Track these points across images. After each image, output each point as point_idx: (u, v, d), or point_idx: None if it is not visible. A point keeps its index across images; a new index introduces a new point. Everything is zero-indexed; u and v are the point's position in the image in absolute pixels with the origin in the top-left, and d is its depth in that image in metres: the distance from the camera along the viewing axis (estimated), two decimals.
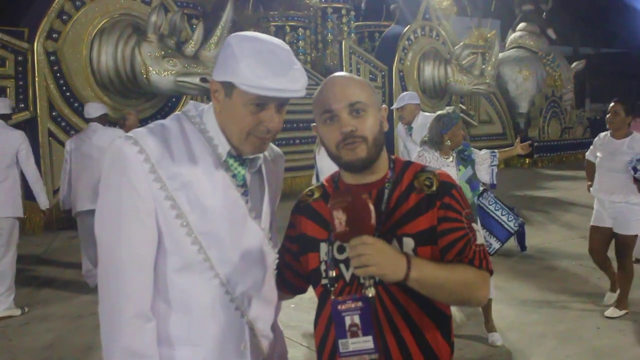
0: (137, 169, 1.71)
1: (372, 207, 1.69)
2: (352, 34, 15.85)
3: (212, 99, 1.82)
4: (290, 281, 2.12)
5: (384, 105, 1.96)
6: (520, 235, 5.35)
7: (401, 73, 15.95)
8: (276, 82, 1.69)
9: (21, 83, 10.14)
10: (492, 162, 5.32)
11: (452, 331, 1.98)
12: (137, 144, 1.73)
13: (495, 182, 5.32)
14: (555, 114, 20.89)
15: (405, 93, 7.73)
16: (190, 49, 10.52)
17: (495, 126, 19.28)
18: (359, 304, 1.78)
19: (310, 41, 14.90)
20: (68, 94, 10.34)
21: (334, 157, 1.91)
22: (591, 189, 6.00)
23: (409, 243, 1.84)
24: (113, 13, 10.76)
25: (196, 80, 10.37)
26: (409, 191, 1.90)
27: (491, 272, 1.92)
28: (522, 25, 21.52)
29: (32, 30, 10.22)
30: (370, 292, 1.73)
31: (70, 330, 5.61)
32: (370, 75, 15.37)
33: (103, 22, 10.62)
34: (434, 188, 1.88)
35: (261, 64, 1.69)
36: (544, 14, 22.30)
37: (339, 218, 1.70)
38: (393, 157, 2.01)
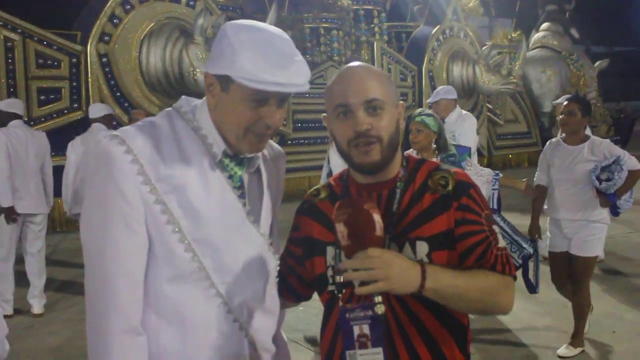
0: (124, 171, 1.58)
1: (377, 217, 1.60)
2: (384, 35, 16.14)
3: (205, 94, 1.71)
4: (294, 287, 1.98)
5: (400, 102, 1.84)
6: (524, 271, 4.64)
7: (430, 73, 16.23)
8: (278, 76, 1.58)
9: (74, 84, 10.55)
10: (493, 185, 4.92)
11: (469, 342, 1.86)
12: (123, 144, 1.60)
13: (496, 206, 4.88)
14: None
15: (441, 87, 7.62)
16: None
17: (521, 125, 19.51)
18: (369, 312, 1.64)
19: (344, 42, 15.21)
20: (118, 94, 10.74)
21: (344, 155, 1.80)
22: (545, 208, 5.18)
23: (422, 247, 1.72)
24: (160, 16, 11.14)
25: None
26: (423, 191, 1.78)
27: (515, 277, 1.79)
28: (545, 25, 21.67)
29: (85, 34, 10.63)
30: (380, 310, 1.61)
31: (75, 333, 5.53)
32: (401, 76, 15.68)
33: (151, 25, 11.00)
34: (450, 188, 1.76)
35: (261, 55, 1.58)
36: (567, 13, 22.49)
37: (341, 231, 1.61)
38: (406, 154, 1.91)
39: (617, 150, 4.80)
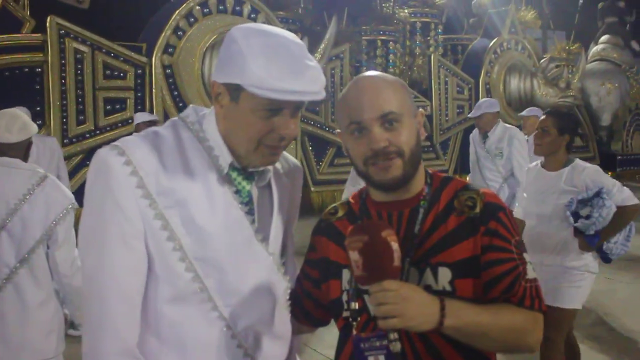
0: (123, 184, 1.50)
1: (395, 246, 1.49)
2: (440, 48, 16.12)
3: (213, 104, 1.62)
4: (310, 312, 1.88)
5: (420, 110, 1.74)
6: None
7: (487, 86, 16.12)
8: (293, 84, 1.48)
9: (139, 94, 10.80)
10: None
11: None
12: (123, 155, 1.51)
13: None
14: (638, 127, 20.68)
15: (483, 100, 7.38)
16: None
17: (578, 139, 19.19)
18: (385, 342, 1.54)
19: (400, 54, 15.25)
20: (181, 104, 10.95)
21: (362, 175, 1.69)
22: None
23: (445, 274, 1.60)
24: (222, 29, 11.31)
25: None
26: (448, 212, 1.65)
27: (544, 312, 1.66)
28: (605, 37, 21.33)
29: (150, 46, 10.89)
30: (395, 348, 1.49)
31: None
32: (457, 88, 15.63)
33: (214, 38, 11.20)
34: (477, 210, 1.63)
35: (274, 62, 1.48)
36: (628, 26, 22.11)
37: (355, 260, 1.50)
38: (430, 170, 1.77)
39: (604, 180, 3.82)
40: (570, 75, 16.72)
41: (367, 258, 1.48)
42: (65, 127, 9.97)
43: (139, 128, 7.26)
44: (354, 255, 1.50)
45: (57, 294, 3.35)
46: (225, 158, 1.60)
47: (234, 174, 1.64)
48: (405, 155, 1.62)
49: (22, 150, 3.38)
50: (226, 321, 1.59)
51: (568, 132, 3.99)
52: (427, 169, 1.77)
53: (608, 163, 19.47)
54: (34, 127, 3.51)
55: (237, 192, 1.63)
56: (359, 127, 1.62)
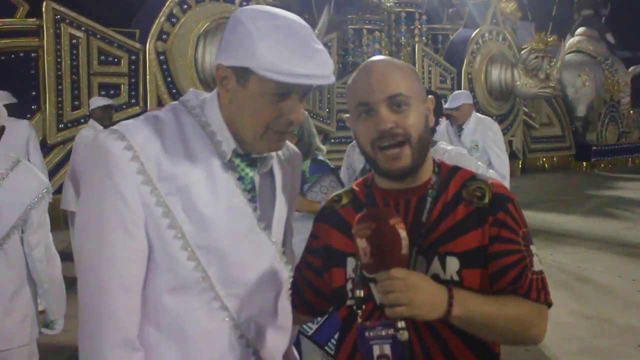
0: (123, 169, 1.45)
1: (403, 234, 1.47)
2: (423, 37, 16.37)
3: (218, 88, 1.56)
4: (309, 301, 1.86)
5: (430, 96, 1.70)
6: None
7: (470, 76, 16.41)
8: (303, 67, 1.44)
9: (133, 80, 10.88)
10: None
11: None
12: (123, 139, 1.46)
13: None
14: (613, 118, 21.18)
15: (459, 92, 7.15)
16: None
17: (555, 129, 19.63)
18: (391, 331, 1.52)
19: (385, 44, 15.46)
20: (174, 91, 11.04)
21: (369, 159, 1.67)
22: None
23: (453, 263, 1.59)
24: (215, 16, 11.42)
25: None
26: (456, 202, 1.63)
27: (550, 305, 1.65)
28: (581, 29, 21.78)
29: (143, 32, 10.97)
30: (403, 336, 1.47)
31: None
32: (440, 78, 15.90)
33: (207, 25, 11.30)
34: (486, 200, 1.61)
35: (284, 44, 1.44)
36: (603, 18, 22.57)
37: (363, 248, 1.48)
38: (437, 159, 1.75)
39: (466, 163, 3.37)
40: (549, 67, 17.08)
41: (375, 246, 1.46)
42: (60, 112, 10.03)
43: (94, 113, 7.21)
44: (362, 243, 1.47)
45: (30, 281, 3.21)
46: (229, 144, 1.55)
47: (237, 160, 1.59)
48: (413, 140, 1.60)
49: None
50: (228, 311, 1.55)
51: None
52: (435, 158, 1.74)
53: (583, 153, 20.01)
54: (3, 112, 3.39)
55: (240, 178, 1.59)
56: (366, 108, 1.60)
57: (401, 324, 1.46)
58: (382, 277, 1.47)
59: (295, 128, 1.64)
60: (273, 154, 1.67)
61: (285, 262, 1.68)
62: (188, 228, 1.49)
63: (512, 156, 17.66)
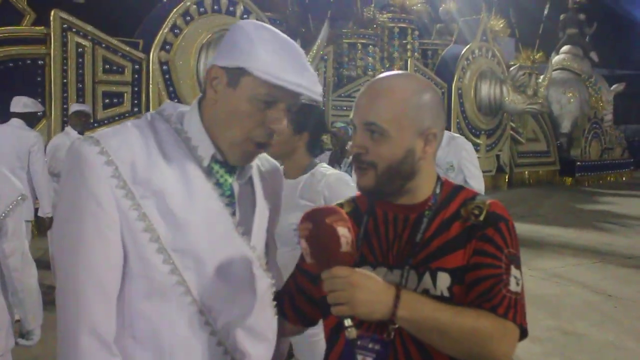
0: (98, 174, 1.45)
1: (342, 231, 1.45)
2: (416, 53, 16.72)
3: (206, 88, 1.57)
4: (302, 309, 1.82)
5: (433, 130, 1.62)
6: None
7: (460, 91, 16.79)
8: (298, 78, 1.48)
9: (136, 89, 11.10)
10: None
11: None
12: (97, 144, 1.47)
13: None
14: (596, 134, 21.69)
15: None
16: None
17: (541, 144, 20.07)
18: (377, 346, 1.55)
19: (379, 57, 15.80)
20: (176, 100, 11.23)
21: None
22: None
23: (444, 279, 1.56)
24: (216, 28, 11.66)
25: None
26: (453, 219, 1.62)
27: (521, 327, 1.56)
28: (565, 47, 22.32)
29: (147, 42, 11.19)
30: (351, 335, 1.45)
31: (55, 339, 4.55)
32: None
33: (208, 36, 11.54)
34: (481, 218, 1.59)
35: (281, 54, 1.48)
36: (587, 37, 23.11)
37: (304, 249, 1.48)
38: (443, 179, 1.73)
39: (345, 191, 2.69)
40: (536, 83, 17.50)
41: (313, 245, 1.46)
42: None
43: (71, 119, 7.31)
44: (303, 244, 1.48)
45: (5, 290, 3.07)
46: (207, 149, 1.56)
47: (216, 167, 1.60)
48: (379, 169, 1.59)
49: None
50: (205, 317, 1.53)
51: (308, 129, 3.11)
52: (441, 177, 1.72)
53: (568, 169, 20.44)
54: None
55: (219, 185, 1.59)
56: (353, 125, 1.64)
57: (347, 322, 1.44)
58: (324, 276, 1.46)
59: (272, 141, 1.58)
60: (252, 164, 1.67)
61: (264, 269, 1.65)
62: (163, 231, 1.48)
63: (499, 170, 18.08)
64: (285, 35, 1.55)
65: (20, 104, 6.83)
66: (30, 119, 6.94)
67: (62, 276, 1.49)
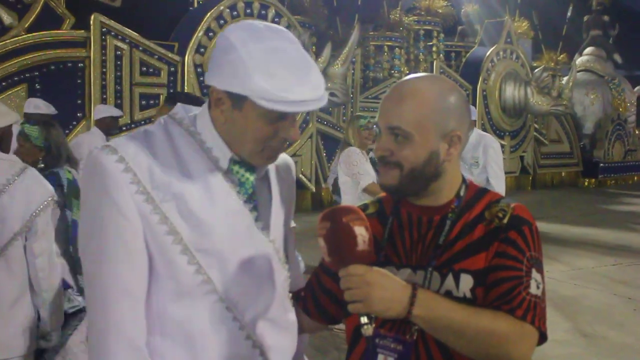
0: (117, 182, 1.48)
1: (359, 230, 1.48)
2: (441, 55, 16.88)
3: (212, 107, 1.59)
4: (325, 308, 1.83)
5: (457, 132, 1.64)
6: None
7: (484, 92, 16.94)
8: (299, 93, 1.48)
9: (171, 91, 11.29)
10: None
11: None
12: (115, 152, 1.49)
13: None
14: (619, 136, 21.70)
15: None
16: (320, 65, 11.70)
17: (564, 145, 20.14)
18: (400, 347, 1.56)
19: (404, 60, 15.97)
20: None
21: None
22: None
23: (467, 281, 1.58)
24: None
25: (326, 94, 11.51)
26: (477, 221, 1.63)
27: (541, 332, 1.56)
28: (589, 49, 22.34)
29: (182, 45, 11.44)
30: (367, 332, 1.48)
31: None
32: None
33: None
34: (505, 221, 1.60)
35: (278, 71, 1.47)
36: (611, 39, 23.15)
37: (322, 247, 1.51)
38: (468, 181, 1.74)
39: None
40: (561, 84, 17.59)
41: (330, 244, 1.49)
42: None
43: (99, 124, 7.49)
44: (321, 242, 1.51)
45: (31, 290, 3.14)
46: (222, 151, 1.58)
47: (236, 167, 1.62)
48: (404, 170, 1.61)
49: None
50: (233, 312, 1.56)
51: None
52: (466, 180, 1.74)
53: (591, 170, 20.50)
54: (12, 115, 3.31)
55: (241, 184, 1.62)
56: (378, 128, 1.66)
57: (363, 320, 1.47)
58: (341, 274, 1.49)
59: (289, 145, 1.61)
60: None
61: (283, 262, 1.69)
62: (186, 233, 1.51)
63: (523, 171, 18.20)
64: (275, 34, 1.53)
65: (32, 105, 6.91)
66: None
67: (89, 284, 1.53)
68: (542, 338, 1.57)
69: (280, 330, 1.66)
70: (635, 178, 22.22)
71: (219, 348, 1.55)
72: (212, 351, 1.55)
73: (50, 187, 3.24)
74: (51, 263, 3.15)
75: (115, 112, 7.99)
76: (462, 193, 1.69)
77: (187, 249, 1.51)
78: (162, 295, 1.53)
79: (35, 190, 3.10)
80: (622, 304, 6.84)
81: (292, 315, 1.74)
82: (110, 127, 7.56)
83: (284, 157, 1.81)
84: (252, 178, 1.65)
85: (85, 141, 7.01)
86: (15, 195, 3.02)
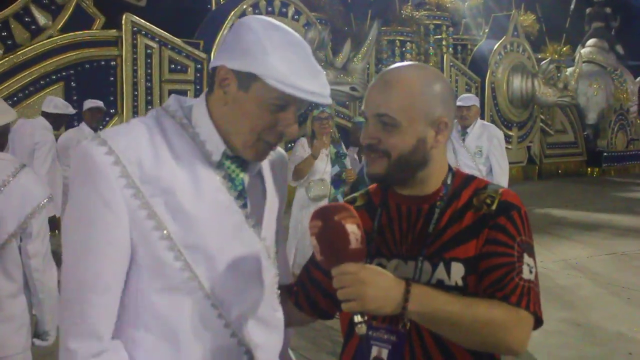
0: (106, 174, 1.44)
1: (351, 228, 1.45)
2: (451, 48, 17.30)
3: (216, 88, 1.54)
4: (316, 302, 1.83)
5: (445, 120, 1.64)
6: None
7: (492, 85, 17.35)
8: (310, 84, 1.47)
9: (198, 87, 11.77)
10: None
11: None
12: (104, 144, 1.46)
13: None
14: (622, 126, 22.16)
15: (470, 94, 7.31)
16: (340, 61, 12.13)
17: (569, 136, 20.58)
18: (393, 337, 1.57)
19: (415, 54, 16.39)
20: None
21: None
22: None
23: (458, 269, 1.58)
24: None
25: (346, 88, 11.98)
26: (466, 209, 1.63)
27: (536, 316, 1.56)
28: (592, 41, 22.74)
29: (207, 42, 11.87)
30: (361, 331, 1.45)
31: None
32: (466, 87, 16.84)
33: None
34: (493, 207, 1.60)
35: (295, 59, 1.47)
36: (613, 30, 23.57)
37: (315, 246, 1.49)
38: (454, 169, 1.74)
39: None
40: (566, 76, 18.02)
41: (322, 243, 1.47)
42: (135, 115, 10.85)
43: (86, 116, 7.62)
44: (313, 241, 1.49)
45: (27, 289, 3.12)
46: (216, 144, 1.55)
47: (227, 162, 1.59)
48: (392, 158, 1.61)
49: None
50: (218, 309, 1.54)
51: None
52: (453, 168, 1.74)
53: (594, 159, 20.96)
54: (10, 114, 3.28)
55: (231, 179, 1.59)
56: (364, 116, 1.66)
57: (357, 318, 1.45)
58: (334, 272, 1.46)
59: (284, 141, 1.62)
60: None
61: (272, 260, 1.66)
62: (174, 228, 1.47)
63: (530, 161, 18.65)
64: (292, 31, 1.54)
65: (52, 104, 7.00)
66: (59, 121, 7.10)
67: (66, 278, 1.50)
68: (538, 322, 1.59)
69: (267, 328, 1.64)
70: (638, 167, 22.70)
71: (203, 345, 1.53)
72: (196, 347, 1.53)
73: (47, 188, 3.22)
74: (46, 264, 3.12)
75: (94, 104, 7.89)
76: (449, 181, 1.69)
77: (174, 245, 1.48)
78: (148, 289, 1.51)
79: (31, 190, 3.06)
80: (616, 293, 6.86)
81: (279, 314, 1.72)
82: (95, 120, 7.65)
83: (278, 152, 1.78)
84: (242, 175, 1.63)
85: (75, 137, 7.18)
86: (11, 195, 2.99)
